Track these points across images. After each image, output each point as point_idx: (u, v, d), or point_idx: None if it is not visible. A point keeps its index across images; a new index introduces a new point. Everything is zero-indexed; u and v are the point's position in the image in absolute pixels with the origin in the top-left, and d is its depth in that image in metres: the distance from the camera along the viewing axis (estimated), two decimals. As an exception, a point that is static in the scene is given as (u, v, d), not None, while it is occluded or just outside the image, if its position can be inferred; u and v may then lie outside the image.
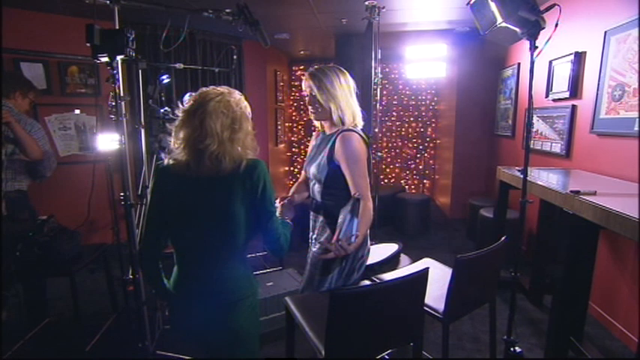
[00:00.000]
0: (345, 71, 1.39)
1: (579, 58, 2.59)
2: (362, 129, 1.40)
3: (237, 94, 1.08)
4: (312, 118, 1.41)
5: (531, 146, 2.94)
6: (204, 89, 1.07)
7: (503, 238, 1.53)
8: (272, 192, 1.08)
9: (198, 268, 1.07)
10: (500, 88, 4.13)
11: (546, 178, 2.24)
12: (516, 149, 3.68)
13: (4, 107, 1.96)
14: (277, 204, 1.28)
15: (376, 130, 3.57)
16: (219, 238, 1.04)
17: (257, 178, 1.03)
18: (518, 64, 3.64)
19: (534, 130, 3.14)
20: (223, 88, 1.07)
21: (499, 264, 1.59)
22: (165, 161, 1.07)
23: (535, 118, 3.10)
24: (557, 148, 2.86)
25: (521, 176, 1.75)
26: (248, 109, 1.09)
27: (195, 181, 1.03)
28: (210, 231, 1.04)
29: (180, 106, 1.06)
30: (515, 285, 1.80)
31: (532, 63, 1.57)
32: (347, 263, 1.39)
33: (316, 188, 1.42)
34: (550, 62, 2.93)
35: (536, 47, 1.54)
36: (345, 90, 1.35)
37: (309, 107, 1.39)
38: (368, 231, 1.46)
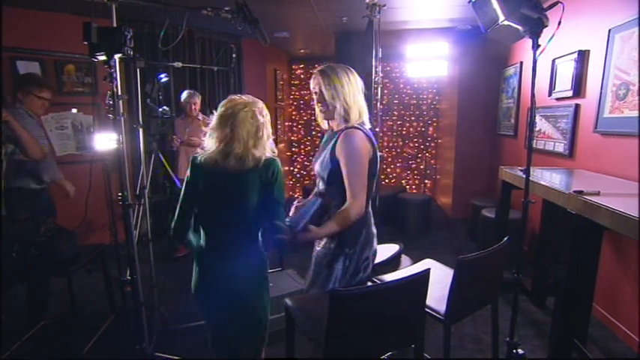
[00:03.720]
0: (353, 70, 1.39)
1: (583, 56, 2.59)
2: (370, 129, 1.39)
3: (260, 104, 1.32)
4: (318, 117, 1.42)
5: (534, 146, 2.87)
6: (232, 97, 1.31)
7: (505, 238, 1.52)
8: (282, 186, 1.30)
9: (219, 243, 1.32)
10: (502, 87, 4.12)
11: (549, 177, 2.23)
12: (519, 149, 3.68)
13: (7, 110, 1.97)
14: (295, 204, 1.37)
15: (377, 129, 3.56)
16: (237, 221, 1.28)
17: (272, 173, 1.28)
18: (521, 62, 3.63)
19: (537, 129, 3.14)
20: (249, 98, 1.32)
21: (501, 265, 1.59)
22: (199, 157, 1.32)
23: (538, 118, 3.10)
24: (560, 147, 2.86)
25: (524, 176, 1.74)
26: (269, 117, 1.34)
27: (222, 175, 1.27)
28: (231, 215, 1.28)
29: (215, 111, 1.32)
30: (517, 286, 1.80)
31: (535, 61, 1.57)
32: (350, 263, 1.38)
33: (320, 186, 1.43)
34: (553, 61, 2.93)
35: (539, 46, 1.54)
36: (352, 88, 1.34)
37: (317, 105, 1.40)
38: (375, 230, 1.45)
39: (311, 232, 1.20)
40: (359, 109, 1.35)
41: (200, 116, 3.43)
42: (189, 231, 1.35)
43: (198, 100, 3.35)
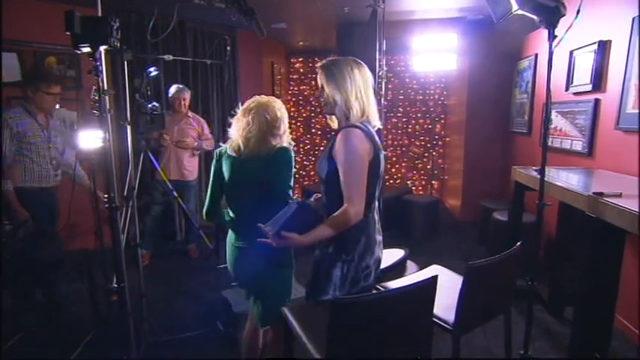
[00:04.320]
0: (363, 64, 1.38)
1: (603, 47, 2.58)
2: (376, 130, 1.39)
3: (279, 102, 1.62)
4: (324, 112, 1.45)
5: (549, 144, 2.87)
6: (256, 97, 1.62)
7: (518, 243, 1.52)
8: (290, 172, 1.53)
9: (243, 223, 1.61)
10: (515, 81, 4.12)
11: (566, 178, 2.23)
12: (533, 147, 3.67)
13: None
14: (312, 198, 1.50)
15: (381, 127, 3.55)
16: (256, 200, 1.54)
17: (282, 159, 1.53)
18: (536, 54, 3.63)
19: (553, 126, 3.13)
20: (270, 97, 1.62)
21: (514, 272, 1.58)
22: (223, 145, 1.63)
23: (554, 114, 3.09)
24: (578, 145, 2.85)
25: (539, 176, 1.74)
26: (286, 114, 1.62)
27: (243, 160, 1.56)
28: (249, 195, 1.56)
29: (240, 105, 1.62)
30: (532, 295, 1.80)
31: (551, 53, 1.56)
32: (349, 270, 1.37)
33: (321, 187, 1.43)
34: (571, 52, 2.92)
35: (556, 36, 1.53)
36: (356, 83, 1.33)
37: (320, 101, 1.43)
38: (379, 238, 1.44)
39: (290, 239, 1.22)
40: (362, 107, 1.34)
41: (190, 114, 3.42)
42: (220, 214, 1.65)
43: (188, 95, 3.34)
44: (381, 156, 1.36)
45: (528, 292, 1.78)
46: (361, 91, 1.34)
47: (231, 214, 1.65)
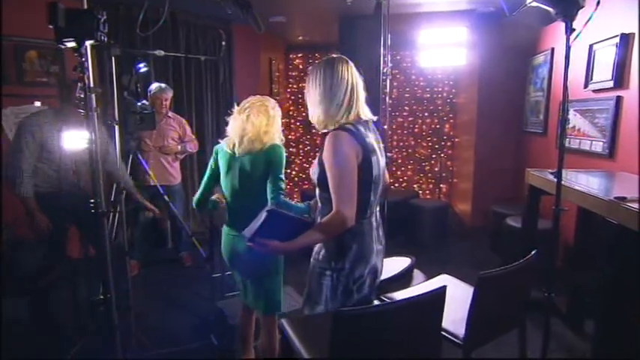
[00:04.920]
0: (340, 61, 1.38)
1: (626, 40, 2.56)
2: (376, 122, 1.41)
3: (272, 102, 1.84)
4: None
5: (567, 145, 2.86)
6: (251, 97, 1.84)
7: (533, 251, 1.51)
8: (280, 168, 1.75)
9: (238, 212, 1.82)
10: (530, 77, 4.12)
11: (585, 182, 2.22)
12: (549, 148, 3.67)
13: None
14: (312, 202, 1.67)
15: (385, 127, 3.55)
16: (247, 194, 1.78)
17: (274, 156, 1.75)
18: (552, 49, 3.62)
19: (570, 126, 3.12)
20: (264, 97, 1.85)
21: (529, 282, 1.60)
22: (221, 142, 1.86)
23: (571, 113, 3.09)
24: (598, 147, 2.84)
25: (555, 180, 1.73)
26: (279, 112, 1.85)
27: (237, 157, 1.78)
28: (243, 189, 1.79)
29: (237, 106, 1.83)
30: (549, 307, 1.79)
31: (568, 48, 1.56)
32: (339, 281, 1.38)
33: (316, 192, 1.46)
34: (590, 46, 2.91)
35: (574, 30, 1.53)
36: (322, 85, 1.36)
37: None
38: (377, 247, 1.44)
39: (268, 245, 1.23)
40: (329, 109, 1.35)
41: (170, 114, 3.40)
42: (207, 201, 1.87)
43: (170, 95, 3.33)
44: (374, 158, 1.35)
45: (545, 303, 1.77)
46: (326, 92, 1.35)
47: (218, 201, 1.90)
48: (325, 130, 1.39)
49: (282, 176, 1.76)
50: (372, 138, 1.38)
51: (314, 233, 1.27)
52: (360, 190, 1.31)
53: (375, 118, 1.43)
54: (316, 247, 1.44)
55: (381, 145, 1.45)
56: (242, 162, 1.77)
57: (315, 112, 1.40)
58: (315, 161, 1.42)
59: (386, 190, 2.31)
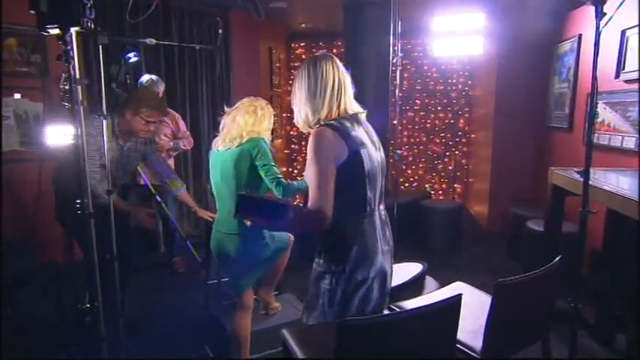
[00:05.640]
0: (324, 59, 1.44)
1: (661, 26, 2.54)
2: (352, 121, 1.44)
3: (263, 102, 2.07)
4: None
5: (595, 141, 2.88)
6: (244, 99, 2.07)
7: (557, 258, 1.51)
8: (266, 155, 1.93)
9: (220, 206, 2.08)
10: (554, 67, 4.10)
11: (615, 181, 2.21)
12: (575, 145, 3.64)
13: None
14: None
15: (395, 122, 3.54)
16: (229, 190, 1.98)
17: (253, 147, 1.94)
18: (579, 36, 3.59)
19: (599, 120, 3.09)
20: (255, 98, 2.07)
21: (553, 291, 1.59)
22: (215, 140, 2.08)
23: (601, 105, 3.06)
24: (630, 143, 2.82)
25: (581, 179, 1.72)
26: (270, 112, 2.07)
27: (219, 154, 2.02)
28: (225, 185, 2.01)
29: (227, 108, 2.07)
30: (575, 318, 1.77)
31: (598, 34, 1.54)
32: (338, 284, 1.41)
33: None
34: (623, 32, 2.88)
35: (604, 14, 1.51)
36: (302, 87, 1.45)
37: None
38: (383, 247, 1.47)
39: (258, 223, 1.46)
40: (310, 108, 1.44)
41: None
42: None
43: (162, 88, 3.33)
44: (364, 151, 1.39)
45: (571, 315, 1.76)
46: (311, 92, 1.43)
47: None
48: (310, 130, 1.46)
49: (273, 162, 1.93)
50: (360, 131, 1.43)
51: (293, 223, 1.38)
52: (353, 187, 1.38)
53: (362, 111, 1.49)
54: (317, 251, 1.49)
55: (375, 139, 1.51)
56: (223, 158, 1.98)
57: (300, 114, 1.47)
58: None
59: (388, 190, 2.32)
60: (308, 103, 1.43)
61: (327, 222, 1.33)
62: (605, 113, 3.05)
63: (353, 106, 1.46)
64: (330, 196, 1.33)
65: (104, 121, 2.06)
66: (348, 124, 1.41)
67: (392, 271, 1.54)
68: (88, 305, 1.65)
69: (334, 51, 5.85)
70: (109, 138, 2.16)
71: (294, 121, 1.54)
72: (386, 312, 1.63)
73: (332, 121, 1.40)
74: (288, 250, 2.33)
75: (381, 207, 1.51)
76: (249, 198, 1.43)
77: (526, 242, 3.34)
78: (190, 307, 2.94)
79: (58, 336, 2.38)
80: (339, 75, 1.44)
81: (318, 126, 1.41)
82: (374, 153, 1.44)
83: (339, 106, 1.42)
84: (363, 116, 1.49)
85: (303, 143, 6.22)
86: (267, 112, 2.04)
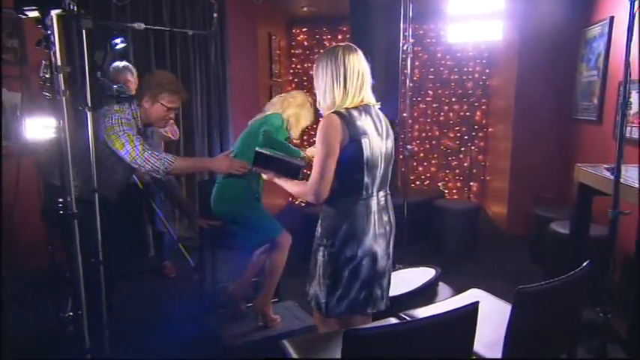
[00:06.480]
0: (340, 49, 1.65)
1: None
2: (362, 111, 1.66)
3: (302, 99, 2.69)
4: None
5: (627, 135, 2.85)
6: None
7: (585, 263, 1.50)
8: (272, 126, 2.47)
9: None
10: (582, 53, 4.07)
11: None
12: (604, 139, 3.62)
13: None
14: None
15: (405, 114, 3.53)
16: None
17: (268, 122, 2.51)
18: (611, 18, 3.55)
19: (632, 111, 3.06)
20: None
21: (580, 300, 1.57)
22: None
23: (634, 95, 3.01)
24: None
25: (612, 177, 1.72)
26: (306, 114, 2.67)
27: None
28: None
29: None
30: (605, 330, 1.80)
31: (632, 16, 1.54)
32: (330, 257, 1.67)
33: None
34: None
35: (638, -7, 1.50)
36: (327, 74, 1.65)
37: None
38: (374, 230, 1.69)
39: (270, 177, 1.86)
40: (332, 99, 1.67)
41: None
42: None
43: (131, 77, 3.28)
44: (364, 140, 1.61)
45: (600, 326, 1.75)
46: (326, 80, 1.66)
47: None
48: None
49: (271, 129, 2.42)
50: (366, 121, 1.65)
51: (294, 187, 1.77)
52: (351, 171, 1.62)
53: (376, 103, 1.73)
54: (318, 225, 1.78)
55: (383, 129, 1.72)
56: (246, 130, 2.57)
57: (326, 100, 1.69)
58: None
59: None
60: (334, 91, 1.64)
61: (317, 199, 1.62)
62: (638, 104, 3.02)
63: (369, 98, 1.70)
64: (328, 179, 1.59)
65: (88, 113, 2.06)
66: (355, 114, 1.63)
67: (388, 253, 1.78)
68: (71, 314, 1.66)
69: (339, 37, 5.85)
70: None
71: (317, 104, 1.77)
72: (394, 320, 1.69)
73: (342, 110, 1.62)
74: (284, 251, 2.36)
75: (381, 193, 1.73)
76: (265, 154, 1.83)
77: (549, 246, 3.32)
78: (183, 315, 2.94)
79: (37, 349, 2.37)
80: (365, 68, 1.67)
81: (328, 113, 1.65)
82: (377, 142, 1.66)
83: (360, 97, 1.65)
84: (375, 108, 1.73)
85: (306, 136, 6.21)
86: (305, 111, 2.65)
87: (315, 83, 1.73)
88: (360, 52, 1.69)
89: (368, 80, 1.69)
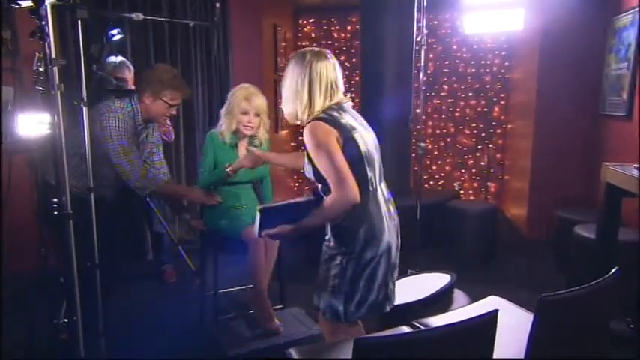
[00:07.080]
0: (309, 54, 1.69)
1: None
2: (337, 110, 1.70)
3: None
4: None
5: None
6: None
7: (613, 270, 1.49)
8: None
9: None
10: (610, 44, 4.03)
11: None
12: (634, 136, 3.56)
13: None
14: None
15: (418, 110, 3.51)
16: None
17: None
18: (643, 5, 3.52)
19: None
20: None
21: (608, 310, 1.56)
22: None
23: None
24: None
25: (643, 176, 1.68)
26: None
27: None
28: None
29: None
30: (635, 342, 1.75)
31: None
32: (349, 264, 1.68)
33: (319, 187, 1.76)
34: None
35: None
36: (293, 79, 1.70)
37: None
38: (387, 225, 1.73)
39: (278, 232, 1.72)
40: (295, 105, 1.71)
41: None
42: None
43: (129, 73, 3.30)
44: (357, 135, 1.66)
45: (629, 338, 1.72)
46: (296, 86, 1.69)
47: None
48: (298, 123, 1.76)
49: (203, 166, 2.60)
50: (348, 118, 1.70)
51: (321, 213, 1.68)
52: (355, 170, 1.63)
53: (347, 100, 1.77)
54: (327, 234, 1.77)
55: (363, 121, 1.79)
56: None
57: (287, 107, 1.74)
58: (305, 160, 1.73)
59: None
60: (298, 99, 1.68)
61: (355, 200, 1.60)
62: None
63: (340, 97, 1.73)
64: (348, 175, 1.59)
65: (84, 109, 2.07)
66: (336, 114, 1.68)
67: (399, 242, 1.82)
68: (65, 320, 1.66)
69: (348, 28, 5.84)
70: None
71: (284, 111, 1.78)
72: (407, 329, 1.71)
73: (321, 115, 1.66)
74: (252, 250, 2.39)
75: (383, 184, 1.80)
76: (270, 208, 1.72)
77: (574, 251, 3.30)
78: (183, 322, 2.95)
79: (29, 357, 2.39)
80: (336, 77, 1.71)
81: (308, 121, 1.68)
82: (366, 134, 1.73)
83: (330, 102, 1.69)
84: (348, 104, 1.77)
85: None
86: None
87: (282, 90, 1.77)
88: (332, 60, 1.71)
89: (338, 90, 1.72)
